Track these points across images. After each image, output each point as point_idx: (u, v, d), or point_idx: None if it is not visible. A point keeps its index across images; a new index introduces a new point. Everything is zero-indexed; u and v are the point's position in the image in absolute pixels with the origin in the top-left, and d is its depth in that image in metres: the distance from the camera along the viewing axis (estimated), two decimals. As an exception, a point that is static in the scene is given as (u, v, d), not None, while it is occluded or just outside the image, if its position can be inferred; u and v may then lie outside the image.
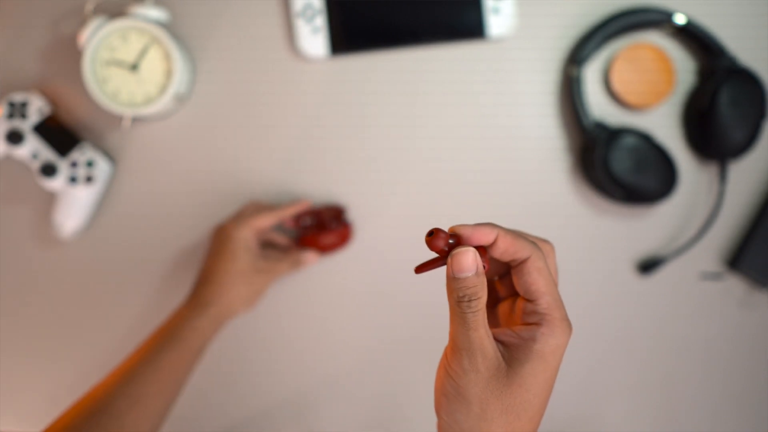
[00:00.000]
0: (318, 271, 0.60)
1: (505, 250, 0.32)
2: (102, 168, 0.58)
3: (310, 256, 0.57)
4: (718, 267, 0.59)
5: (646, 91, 0.57)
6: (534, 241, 0.32)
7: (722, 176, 0.57)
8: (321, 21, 0.57)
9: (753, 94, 0.54)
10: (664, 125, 0.58)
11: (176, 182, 0.60)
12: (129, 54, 0.55)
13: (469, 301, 0.30)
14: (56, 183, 0.56)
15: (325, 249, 0.58)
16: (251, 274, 0.54)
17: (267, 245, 0.60)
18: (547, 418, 0.37)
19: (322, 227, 0.58)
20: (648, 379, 0.60)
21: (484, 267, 0.31)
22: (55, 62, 0.59)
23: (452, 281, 0.31)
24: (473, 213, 0.59)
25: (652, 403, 0.60)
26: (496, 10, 0.57)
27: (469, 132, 0.59)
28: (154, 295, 0.60)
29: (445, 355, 0.32)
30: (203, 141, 0.60)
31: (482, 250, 0.32)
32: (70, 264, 0.60)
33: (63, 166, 0.57)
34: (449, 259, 0.31)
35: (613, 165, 0.55)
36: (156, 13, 0.56)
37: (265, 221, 0.55)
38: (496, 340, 0.32)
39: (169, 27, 0.58)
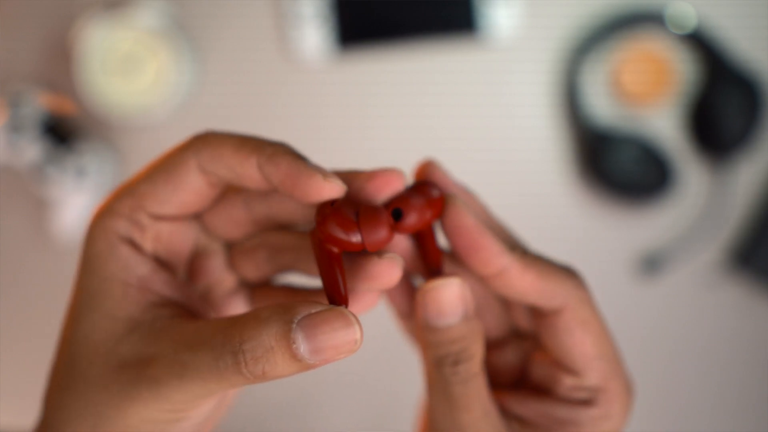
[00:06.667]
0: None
1: (520, 293, 0.21)
2: (102, 170, 0.58)
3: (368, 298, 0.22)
4: (724, 267, 0.59)
5: (648, 91, 0.57)
6: (572, 275, 0.22)
7: (726, 175, 0.57)
8: (324, 21, 0.57)
9: (757, 92, 0.54)
10: (666, 125, 0.58)
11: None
12: (130, 53, 0.55)
13: (455, 364, 0.19)
14: (55, 186, 0.56)
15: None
16: (106, 378, 0.20)
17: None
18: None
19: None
20: (648, 380, 0.60)
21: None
22: (55, 62, 0.59)
23: (426, 331, 0.20)
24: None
25: (654, 404, 0.60)
26: (497, 10, 0.57)
27: (468, 132, 0.59)
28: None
29: None
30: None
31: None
32: (70, 268, 0.60)
33: (63, 168, 0.56)
34: (419, 297, 0.19)
35: (613, 164, 0.55)
36: (159, 11, 0.56)
37: (189, 180, 0.21)
38: (509, 413, 0.21)
39: (171, 25, 0.58)
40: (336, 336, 0.18)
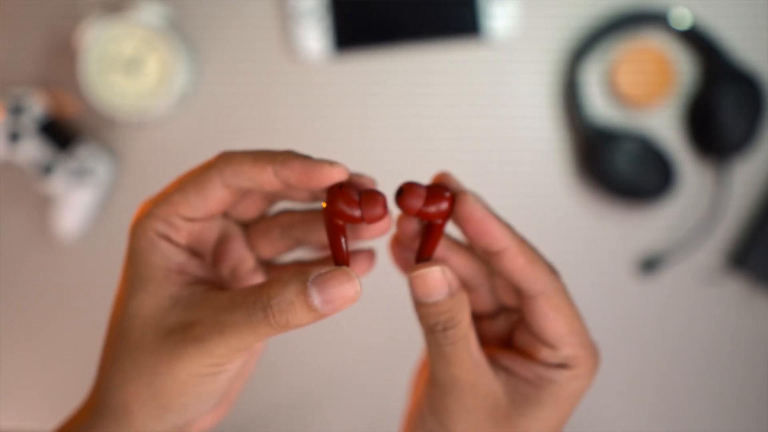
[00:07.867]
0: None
1: (511, 273, 0.25)
2: (103, 169, 0.58)
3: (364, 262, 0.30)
4: (722, 267, 0.59)
5: (647, 91, 0.57)
6: (553, 269, 0.26)
7: (725, 175, 0.57)
8: (324, 21, 0.57)
9: (756, 92, 0.54)
10: (665, 125, 0.58)
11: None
12: (131, 53, 0.55)
13: (444, 330, 0.24)
14: (56, 185, 0.56)
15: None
16: (157, 343, 0.24)
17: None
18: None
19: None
20: (648, 380, 0.60)
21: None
22: (56, 62, 0.59)
23: (418, 305, 0.25)
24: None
25: (653, 404, 0.60)
26: (496, 10, 0.57)
27: (468, 133, 0.59)
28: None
29: (426, 380, 0.27)
30: (206, 142, 0.60)
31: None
32: (71, 267, 0.60)
33: (63, 167, 0.57)
34: (410, 279, 0.24)
35: (613, 164, 0.55)
36: (159, 11, 0.56)
37: (211, 189, 0.25)
38: (498, 364, 0.26)
39: (171, 26, 0.58)
40: (342, 288, 0.22)
